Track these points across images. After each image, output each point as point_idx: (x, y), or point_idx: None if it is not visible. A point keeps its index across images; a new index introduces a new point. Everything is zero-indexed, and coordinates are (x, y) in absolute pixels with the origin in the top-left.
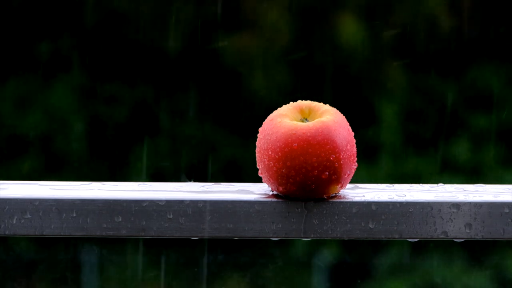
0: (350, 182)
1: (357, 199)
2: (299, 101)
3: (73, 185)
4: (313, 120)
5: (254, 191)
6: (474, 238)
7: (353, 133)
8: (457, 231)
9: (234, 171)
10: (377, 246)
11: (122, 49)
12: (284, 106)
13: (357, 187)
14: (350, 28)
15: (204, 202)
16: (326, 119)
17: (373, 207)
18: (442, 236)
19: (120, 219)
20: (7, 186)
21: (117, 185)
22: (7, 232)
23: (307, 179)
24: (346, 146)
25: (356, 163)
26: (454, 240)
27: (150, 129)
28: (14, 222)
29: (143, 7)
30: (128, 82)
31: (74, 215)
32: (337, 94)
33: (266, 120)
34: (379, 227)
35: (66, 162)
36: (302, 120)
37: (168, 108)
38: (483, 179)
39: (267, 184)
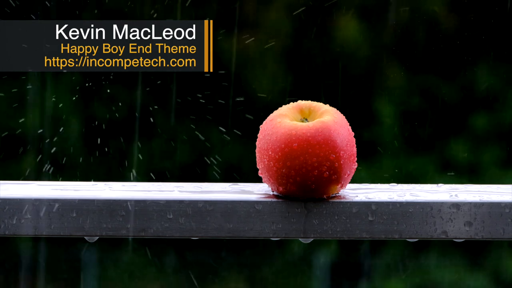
0: (350, 182)
1: (357, 199)
2: (299, 101)
3: (73, 185)
4: (313, 120)
5: (254, 191)
6: (474, 238)
7: (353, 133)
8: (457, 231)
9: (234, 171)
10: (377, 246)
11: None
12: (284, 106)
13: (357, 187)
14: (350, 28)
15: (204, 202)
16: (326, 119)
17: (373, 207)
18: (442, 236)
19: (120, 219)
20: (7, 186)
21: (117, 185)
22: (7, 232)
23: (307, 179)
24: (346, 146)
25: (356, 163)
26: (454, 240)
27: (149, 129)
28: (14, 222)
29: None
30: (126, 83)
31: (74, 215)
32: (337, 94)
33: (266, 120)
34: (379, 227)
35: (65, 162)
36: (302, 120)
37: (167, 108)
38: (483, 179)
39: (267, 184)
